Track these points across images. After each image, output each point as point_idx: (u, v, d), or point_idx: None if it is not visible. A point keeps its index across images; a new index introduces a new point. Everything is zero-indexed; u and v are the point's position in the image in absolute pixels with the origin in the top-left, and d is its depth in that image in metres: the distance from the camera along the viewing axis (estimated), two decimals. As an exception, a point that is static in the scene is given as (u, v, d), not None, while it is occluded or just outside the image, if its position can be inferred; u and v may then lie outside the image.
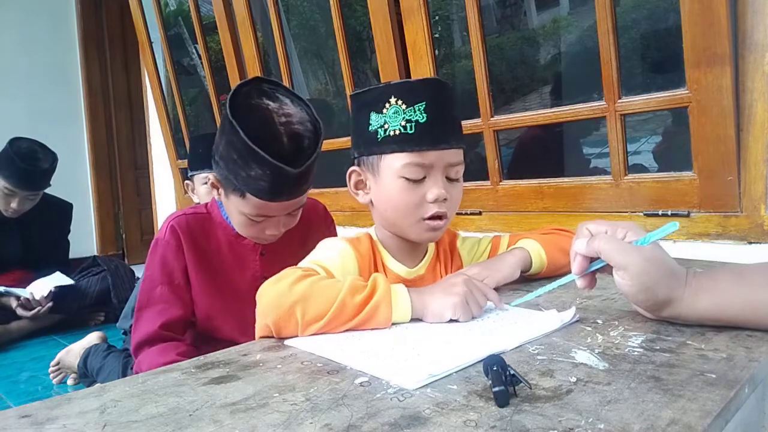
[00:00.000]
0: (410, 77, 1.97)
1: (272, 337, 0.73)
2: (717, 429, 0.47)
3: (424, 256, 0.98)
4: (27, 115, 3.96)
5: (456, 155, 0.88)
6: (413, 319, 0.75)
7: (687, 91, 1.36)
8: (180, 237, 1.15)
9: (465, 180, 2.01)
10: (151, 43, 3.34)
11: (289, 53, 2.57)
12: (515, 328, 0.72)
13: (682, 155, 1.48)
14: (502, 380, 0.51)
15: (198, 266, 1.16)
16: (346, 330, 0.72)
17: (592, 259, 0.72)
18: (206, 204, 1.24)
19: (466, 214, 1.91)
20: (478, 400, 0.51)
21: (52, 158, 2.76)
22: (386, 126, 0.84)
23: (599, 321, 0.73)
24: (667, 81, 1.59)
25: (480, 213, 1.88)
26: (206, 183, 1.80)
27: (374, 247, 0.94)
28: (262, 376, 0.59)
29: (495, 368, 0.52)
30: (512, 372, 0.52)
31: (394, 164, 0.85)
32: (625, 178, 1.53)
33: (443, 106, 0.86)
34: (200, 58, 3.21)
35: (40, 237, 2.84)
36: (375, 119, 0.86)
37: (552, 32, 2.38)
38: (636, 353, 0.62)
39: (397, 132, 0.84)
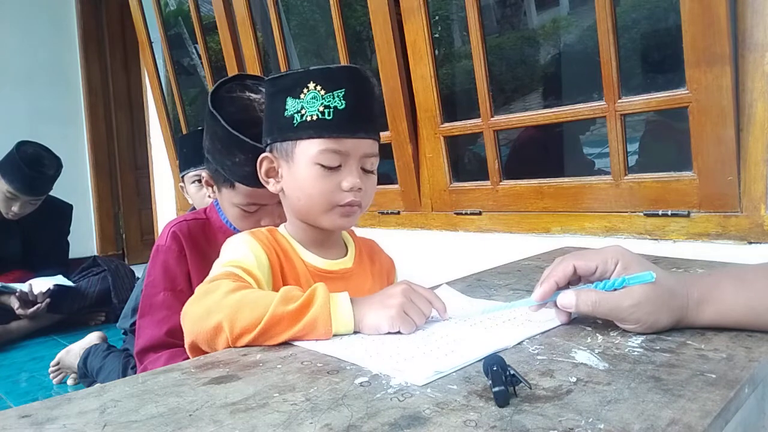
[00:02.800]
0: (410, 77, 1.97)
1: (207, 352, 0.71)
2: (717, 429, 0.47)
3: (346, 252, 0.96)
4: (27, 115, 3.97)
5: (372, 146, 0.87)
6: None
7: (687, 91, 1.36)
8: (182, 242, 1.15)
9: (464, 180, 2.04)
10: (151, 43, 3.33)
11: (289, 53, 2.57)
12: (518, 323, 0.73)
13: (682, 156, 1.48)
14: (502, 380, 0.51)
15: (200, 271, 1.16)
16: (285, 341, 0.68)
17: (558, 287, 0.71)
18: (205, 209, 1.25)
19: (466, 214, 1.91)
20: (478, 400, 0.51)
21: (57, 164, 2.77)
22: (303, 111, 0.82)
23: (599, 321, 0.73)
24: (667, 81, 1.59)
25: (480, 213, 1.88)
26: (195, 182, 1.81)
27: (279, 240, 0.90)
28: (262, 376, 0.59)
29: (495, 368, 0.52)
30: (512, 372, 0.52)
31: (310, 150, 0.83)
32: (625, 178, 1.53)
33: (362, 95, 0.85)
34: (200, 58, 3.21)
35: (40, 238, 2.85)
36: (291, 104, 0.83)
37: (552, 32, 2.38)
38: (636, 353, 0.62)
39: (315, 117, 0.81)
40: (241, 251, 0.84)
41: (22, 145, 2.69)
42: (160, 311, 1.12)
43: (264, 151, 0.91)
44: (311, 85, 0.82)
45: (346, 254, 0.96)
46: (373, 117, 0.88)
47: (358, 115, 0.84)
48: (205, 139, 1.11)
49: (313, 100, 0.81)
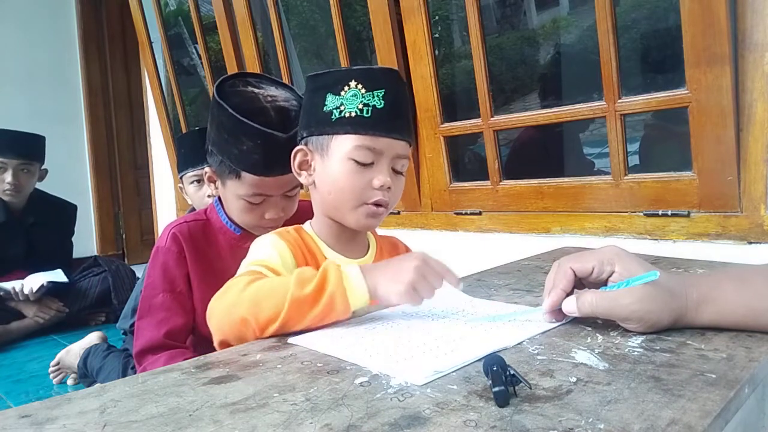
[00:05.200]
0: (410, 77, 1.97)
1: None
2: (717, 429, 0.47)
3: (367, 250, 0.97)
4: (27, 115, 3.96)
5: (404, 148, 0.89)
6: (416, 317, 0.76)
7: (687, 91, 1.36)
8: (182, 244, 1.15)
9: (464, 180, 2.04)
10: (151, 43, 3.33)
11: (289, 53, 2.57)
12: (518, 324, 0.73)
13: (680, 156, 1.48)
14: (502, 380, 0.51)
15: (200, 272, 1.16)
16: (308, 327, 0.71)
17: (567, 294, 0.71)
18: (205, 210, 1.25)
19: (466, 214, 1.91)
20: (478, 400, 0.51)
21: (38, 135, 2.74)
22: (342, 108, 0.84)
23: (599, 321, 0.73)
24: (667, 81, 1.59)
25: (480, 213, 1.88)
26: (193, 182, 1.81)
27: (306, 240, 0.92)
28: (262, 376, 0.59)
29: (495, 368, 0.52)
30: (512, 372, 0.52)
31: (346, 145, 0.85)
32: (625, 178, 1.53)
33: (400, 98, 0.87)
34: (200, 58, 3.21)
35: (43, 238, 2.84)
36: (331, 100, 0.85)
37: (552, 32, 2.39)
38: (636, 353, 0.62)
39: (353, 114, 0.84)
40: (266, 251, 0.86)
41: None
42: (159, 313, 1.12)
43: (294, 142, 0.93)
44: (352, 84, 0.84)
45: (367, 253, 0.97)
46: (407, 120, 0.90)
47: (395, 115, 0.86)
48: (210, 132, 1.11)
49: (353, 98, 0.84)
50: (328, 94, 0.86)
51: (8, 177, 2.64)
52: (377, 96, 0.84)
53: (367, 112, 0.84)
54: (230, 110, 1.03)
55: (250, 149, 1.04)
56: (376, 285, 0.73)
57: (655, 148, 1.84)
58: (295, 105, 1.08)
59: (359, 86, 0.84)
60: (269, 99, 1.08)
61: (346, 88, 0.84)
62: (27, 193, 2.76)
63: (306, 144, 0.91)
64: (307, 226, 0.95)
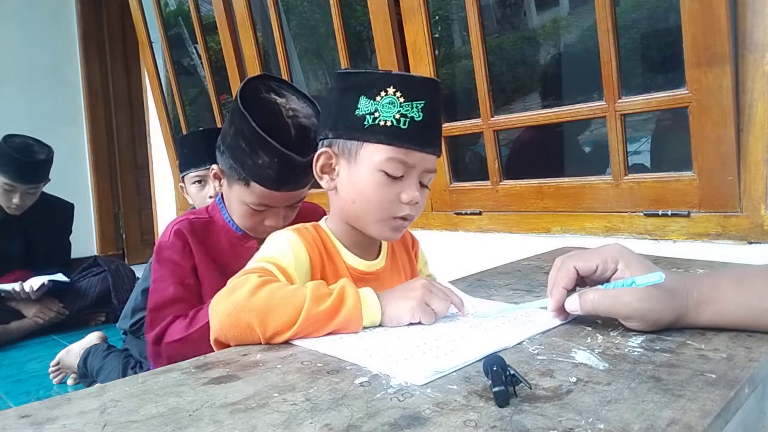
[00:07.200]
0: (410, 77, 1.97)
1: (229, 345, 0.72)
2: (717, 429, 0.47)
3: (379, 250, 0.96)
4: (27, 115, 3.96)
5: (434, 162, 0.86)
6: None
7: (687, 91, 1.36)
8: (186, 238, 1.15)
9: (465, 180, 2.04)
10: (151, 43, 3.33)
11: (289, 53, 2.57)
12: (518, 324, 0.73)
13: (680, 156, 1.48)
14: (502, 380, 0.51)
15: (206, 266, 1.16)
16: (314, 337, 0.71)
17: (569, 291, 0.72)
18: (207, 208, 1.25)
19: (466, 214, 1.91)
20: (478, 400, 0.51)
21: (48, 150, 2.76)
22: (377, 115, 0.80)
23: (599, 321, 0.73)
24: (667, 81, 1.59)
25: (480, 213, 1.88)
26: (195, 182, 1.80)
27: (324, 239, 0.90)
28: (262, 376, 0.59)
29: (495, 368, 0.52)
30: (512, 372, 0.52)
31: (377, 156, 0.81)
32: (625, 178, 1.53)
33: (438, 111, 0.85)
34: (200, 58, 3.21)
35: (42, 237, 2.84)
36: (364, 104, 0.81)
37: (552, 32, 2.39)
38: (636, 353, 0.62)
39: (389, 123, 0.79)
40: (280, 249, 0.84)
41: (8, 138, 2.68)
42: (173, 304, 1.12)
43: (310, 152, 0.91)
44: (390, 90, 0.80)
45: (380, 253, 0.96)
46: (441, 133, 0.88)
47: (432, 129, 0.83)
48: (226, 134, 1.11)
49: (390, 106, 0.80)
50: (362, 97, 0.81)
51: (16, 198, 2.69)
52: (416, 107, 0.80)
53: (404, 124, 0.79)
54: (253, 123, 1.02)
55: (266, 164, 1.04)
56: (386, 306, 0.74)
57: (666, 144, 1.84)
58: (315, 123, 1.07)
59: (397, 93, 0.80)
60: (291, 113, 1.07)
61: (382, 93, 0.80)
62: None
63: (330, 146, 0.86)
64: (323, 224, 0.93)
